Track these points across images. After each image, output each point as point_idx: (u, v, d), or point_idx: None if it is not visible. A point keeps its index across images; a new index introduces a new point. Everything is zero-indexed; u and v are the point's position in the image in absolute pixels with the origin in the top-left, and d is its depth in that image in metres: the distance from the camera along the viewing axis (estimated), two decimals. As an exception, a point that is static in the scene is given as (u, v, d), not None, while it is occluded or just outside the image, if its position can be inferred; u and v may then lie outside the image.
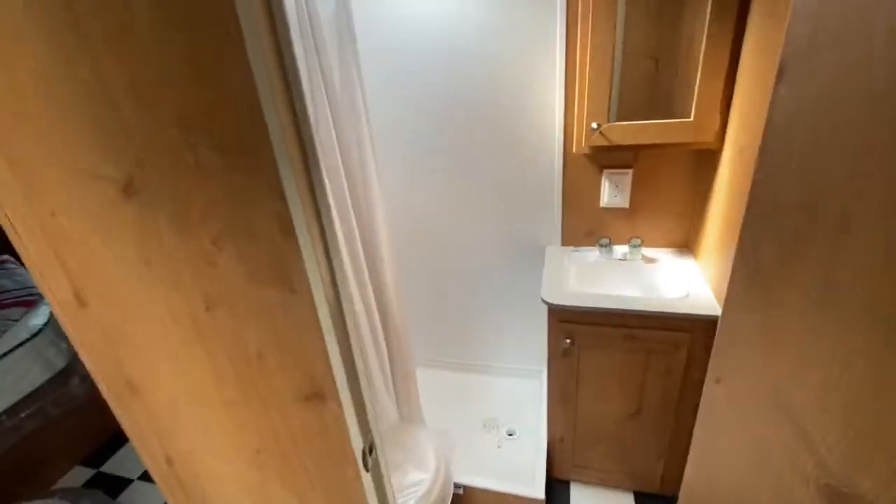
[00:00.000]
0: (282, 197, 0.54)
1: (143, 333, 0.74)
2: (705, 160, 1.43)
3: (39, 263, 0.70)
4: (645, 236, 1.62)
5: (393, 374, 1.46)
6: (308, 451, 0.77)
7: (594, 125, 1.35)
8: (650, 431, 1.48)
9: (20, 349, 1.66)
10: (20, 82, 0.56)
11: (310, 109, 1.06)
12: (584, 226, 1.68)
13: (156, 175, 0.58)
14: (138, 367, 0.79)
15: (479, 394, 2.01)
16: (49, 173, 0.61)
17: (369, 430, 0.74)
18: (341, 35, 1.06)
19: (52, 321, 1.74)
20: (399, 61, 1.58)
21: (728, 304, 0.58)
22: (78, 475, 1.97)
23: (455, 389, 2.05)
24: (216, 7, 0.45)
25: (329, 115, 1.08)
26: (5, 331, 1.68)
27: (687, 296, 1.33)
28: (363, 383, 0.70)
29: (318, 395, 0.69)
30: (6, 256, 2.02)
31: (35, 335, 1.70)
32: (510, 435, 1.81)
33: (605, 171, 1.55)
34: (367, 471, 0.74)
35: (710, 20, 1.18)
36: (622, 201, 1.59)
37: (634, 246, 1.56)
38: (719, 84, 1.24)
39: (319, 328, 0.62)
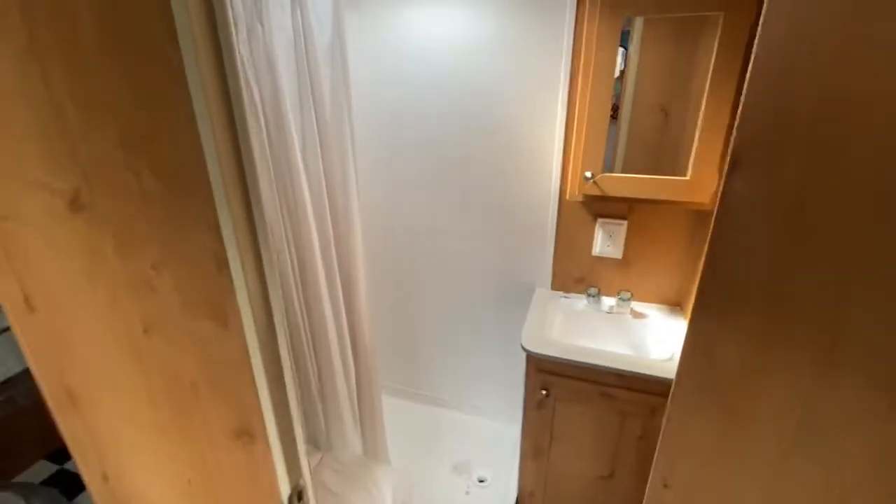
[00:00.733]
0: (216, 229, 0.53)
1: (84, 347, 0.72)
2: (702, 219, 1.40)
3: (-9, 265, 0.70)
4: (636, 290, 1.57)
5: (359, 399, 1.42)
6: (238, 489, 0.74)
7: (588, 174, 1.33)
8: (622, 497, 1.40)
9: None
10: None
11: (296, 137, 1.08)
12: (576, 271, 1.65)
13: (100, 193, 0.57)
14: (79, 380, 0.77)
15: (454, 433, 1.94)
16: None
17: (300, 474, 0.70)
18: (334, 65, 1.08)
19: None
20: (396, 87, 1.59)
21: (675, 397, 0.54)
22: (40, 469, 1.94)
23: (429, 425, 1.99)
24: (157, 33, 0.45)
25: (317, 141, 1.08)
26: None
27: (671, 358, 1.27)
28: (295, 423, 0.66)
29: (247, 432, 0.66)
30: None
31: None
32: (481, 481, 1.73)
33: (600, 220, 1.53)
34: (293, 518, 0.70)
35: (712, 73, 1.16)
36: (615, 251, 1.55)
37: (623, 299, 1.51)
38: (719, 142, 1.21)
39: (250, 367, 0.59)
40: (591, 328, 1.52)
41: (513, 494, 1.56)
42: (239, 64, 0.48)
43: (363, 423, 1.40)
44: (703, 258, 0.49)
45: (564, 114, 1.44)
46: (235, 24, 0.75)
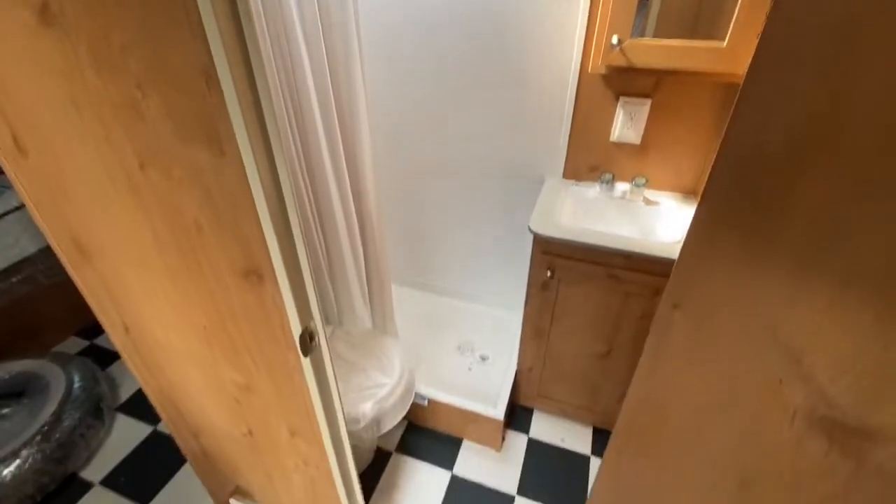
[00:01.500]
0: (202, 36, 0.47)
1: (83, 191, 0.70)
2: (733, 96, 1.28)
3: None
4: (652, 177, 1.51)
5: (369, 282, 1.45)
6: (250, 331, 0.76)
7: (614, 39, 1.20)
8: (617, 374, 1.48)
9: (9, 216, 1.68)
10: None
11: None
12: (590, 159, 1.57)
13: (70, 2, 0.50)
14: (84, 229, 0.77)
15: (459, 319, 2.03)
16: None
17: (310, 316, 0.72)
18: None
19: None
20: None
21: (701, 208, 0.51)
22: (72, 344, 2.09)
23: (434, 312, 2.07)
24: None
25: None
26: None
27: (681, 241, 1.25)
28: (303, 264, 0.66)
29: (255, 272, 0.66)
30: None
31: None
32: (483, 359, 1.84)
33: (622, 99, 1.42)
34: (306, 356, 0.73)
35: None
36: (634, 136, 1.46)
37: (637, 185, 1.46)
38: (764, 2, 1.07)
39: (251, 198, 0.57)
40: (601, 214, 1.50)
41: (513, 370, 1.66)
42: None
43: (372, 299, 1.45)
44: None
45: (593, -32, 1.26)
46: None
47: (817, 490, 0.36)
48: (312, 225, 1.27)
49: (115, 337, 0.98)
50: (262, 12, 0.95)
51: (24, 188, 0.77)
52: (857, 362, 0.32)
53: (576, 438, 1.67)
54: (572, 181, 1.61)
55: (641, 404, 0.72)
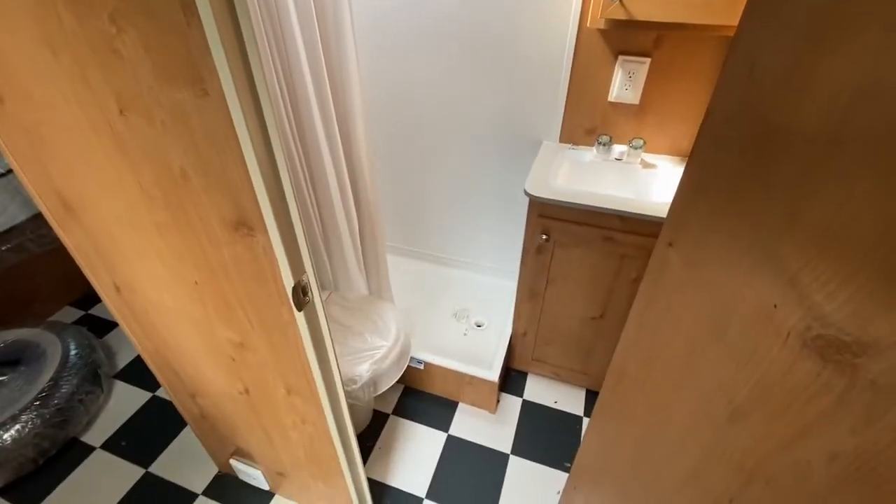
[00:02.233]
0: (177, -44, 0.44)
1: (64, 140, 0.68)
2: (734, 54, 1.25)
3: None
4: (650, 139, 1.49)
5: (364, 248, 1.44)
6: (243, 287, 0.76)
7: (614, -9, 1.16)
8: (610, 336, 1.50)
9: (-6, 182, 1.64)
10: None
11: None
12: (587, 121, 1.54)
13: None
14: (68, 182, 0.75)
15: (454, 286, 2.03)
16: None
17: (302, 270, 0.71)
18: None
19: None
20: None
21: (702, 134, 0.50)
22: (67, 314, 2.08)
23: (429, 280, 2.07)
24: None
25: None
26: (-23, 162, 1.65)
27: (676, 202, 1.25)
28: (293, 215, 0.65)
29: (245, 223, 0.65)
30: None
31: (10, 171, 1.67)
32: (479, 326, 1.86)
33: (621, 58, 1.38)
34: (300, 310, 0.73)
35: None
36: (633, 96, 1.43)
37: (635, 147, 1.44)
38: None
39: (237, 142, 0.55)
40: (598, 176, 1.48)
41: (507, 335, 1.67)
42: None
43: (367, 265, 1.44)
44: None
45: (593, -84, 1.20)
46: None
47: (808, 411, 0.36)
48: (305, 189, 1.25)
49: (106, 298, 0.97)
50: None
51: (2, 139, 0.74)
52: (859, 273, 0.31)
53: (569, 400, 1.70)
54: (569, 145, 1.59)
55: (632, 348, 0.72)
